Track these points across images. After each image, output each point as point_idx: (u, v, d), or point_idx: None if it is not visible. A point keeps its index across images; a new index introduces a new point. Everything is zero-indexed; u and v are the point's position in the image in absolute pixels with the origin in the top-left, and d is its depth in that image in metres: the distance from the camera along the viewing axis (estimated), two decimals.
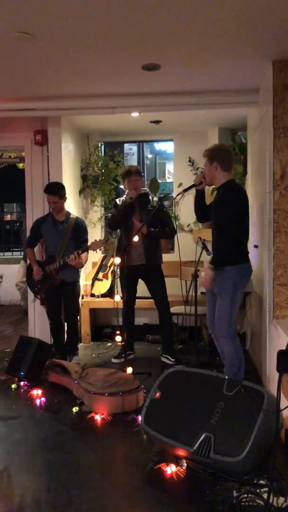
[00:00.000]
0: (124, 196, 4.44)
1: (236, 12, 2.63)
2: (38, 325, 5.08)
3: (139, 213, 4.36)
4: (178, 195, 3.99)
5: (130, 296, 4.47)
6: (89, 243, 4.24)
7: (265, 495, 2.12)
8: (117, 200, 4.54)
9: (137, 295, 4.65)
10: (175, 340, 4.95)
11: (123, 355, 4.22)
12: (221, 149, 3.61)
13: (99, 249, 4.32)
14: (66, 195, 4.43)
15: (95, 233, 5.58)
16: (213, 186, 3.71)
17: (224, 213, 3.37)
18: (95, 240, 4.23)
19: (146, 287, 4.56)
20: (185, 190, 3.84)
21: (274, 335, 3.31)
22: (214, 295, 3.54)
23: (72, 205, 5.05)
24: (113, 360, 4.57)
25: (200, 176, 3.68)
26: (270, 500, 2.07)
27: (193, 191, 3.83)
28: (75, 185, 5.43)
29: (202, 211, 3.79)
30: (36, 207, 5.04)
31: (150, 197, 4.50)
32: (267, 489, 2.15)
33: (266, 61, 3.36)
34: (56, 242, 4.33)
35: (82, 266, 4.29)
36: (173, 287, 4.72)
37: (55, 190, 4.31)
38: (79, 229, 4.36)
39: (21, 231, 7.89)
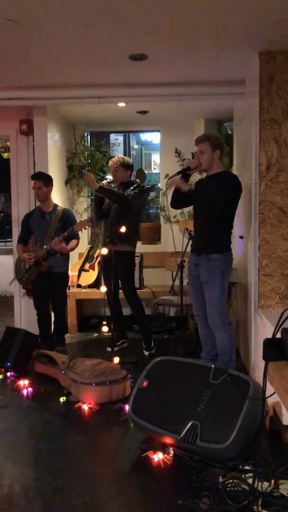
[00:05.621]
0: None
1: (224, 3, 2.63)
2: (25, 316, 5.08)
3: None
4: (171, 177, 3.68)
5: (106, 284, 4.45)
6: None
7: (250, 480, 2.17)
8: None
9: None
10: (161, 330, 4.97)
11: (117, 344, 4.21)
12: (222, 139, 3.73)
13: (84, 229, 4.26)
14: (52, 187, 4.40)
15: None
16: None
17: (227, 201, 3.40)
18: (80, 221, 4.23)
19: None
20: (179, 173, 3.68)
21: (259, 324, 3.37)
22: (197, 283, 3.57)
23: (58, 196, 5.02)
24: (108, 349, 4.53)
25: (197, 161, 3.57)
26: (255, 485, 2.12)
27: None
28: (61, 175, 5.39)
29: (183, 198, 3.69)
30: (21, 197, 5.01)
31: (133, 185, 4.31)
32: (252, 474, 2.20)
33: (253, 53, 3.37)
34: (44, 233, 4.31)
35: (66, 251, 4.27)
36: (160, 277, 4.74)
37: (39, 176, 4.32)
38: (67, 218, 4.35)
39: None
